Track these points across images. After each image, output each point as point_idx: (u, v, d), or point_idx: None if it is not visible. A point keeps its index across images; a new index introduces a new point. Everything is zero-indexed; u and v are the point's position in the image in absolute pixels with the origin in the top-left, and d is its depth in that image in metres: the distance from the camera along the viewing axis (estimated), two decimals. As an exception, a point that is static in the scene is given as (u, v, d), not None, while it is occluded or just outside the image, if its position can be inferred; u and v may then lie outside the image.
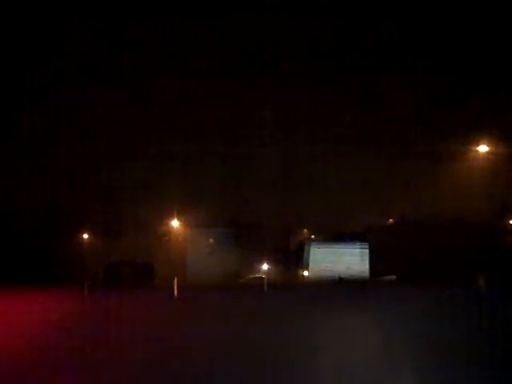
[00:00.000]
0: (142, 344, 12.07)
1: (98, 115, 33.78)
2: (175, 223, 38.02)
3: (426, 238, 32.70)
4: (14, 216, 34.72)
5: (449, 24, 32.00)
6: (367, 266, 36.23)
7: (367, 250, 36.59)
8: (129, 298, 23.71)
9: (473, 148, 30.92)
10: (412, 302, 18.41)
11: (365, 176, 34.19)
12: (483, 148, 30.57)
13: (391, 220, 38.05)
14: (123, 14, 31.94)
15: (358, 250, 36.69)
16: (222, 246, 37.12)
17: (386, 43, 32.90)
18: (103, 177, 36.05)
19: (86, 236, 38.48)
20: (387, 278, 34.04)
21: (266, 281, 31.10)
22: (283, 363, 9.94)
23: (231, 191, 35.27)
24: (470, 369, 9.24)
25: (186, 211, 36.22)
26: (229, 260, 36.34)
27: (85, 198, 37.09)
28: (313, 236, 39.26)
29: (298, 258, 38.39)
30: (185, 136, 34.55)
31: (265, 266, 37.86)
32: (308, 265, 37.56)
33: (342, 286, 32.48)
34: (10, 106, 33.72)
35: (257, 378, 9.14)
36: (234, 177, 35.55)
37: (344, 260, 36.33)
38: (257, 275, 36.54)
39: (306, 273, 37.82)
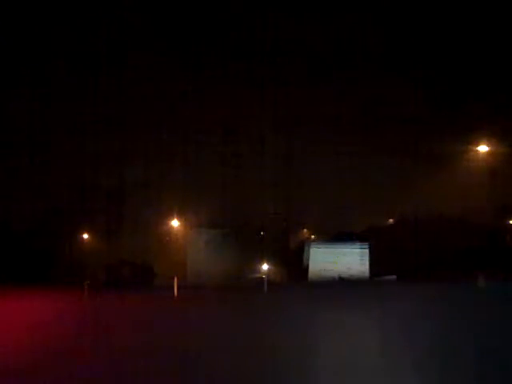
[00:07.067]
0: (141, 343, 12.06)
1: (98, 114, 33.76)
2: (175, 223, 38.05)
3: (426, 237, 32.68)
4: (14, 216, 34.72)
5: (448, 23, 32.03)
6: (367, 266, 36.19)
7: (367, 250, 36.53)
8: (129, 297, 23.75)
9: (473, 148, 31.03)
10: (412, 302, 18.40)
11: (365, 176, 34.18)
12: (483, 148, 30.69)
13: (391, 220, 38.06)
14: (122, 11, 31.97)
15: (357, 250, 36.63)
16: (222, 246, 37.10)
17: (386, 42, 32.93)
18: (103, 177, 36.03)
19: (86, 236, 38.49)
20: (387, 278, 34.03)
21: (266, 281, 31.13)
22: (283, 363, 9.93)
23: (231, 191, 35.23)
24: (470, 370, 9.23)
25: (186, 211, 36.26)
26: (229, 260, 36.33)
27: (85, 198, 37.11)
28: (313, 236, 39.24)
29: (298, 258, 38.36)
30: (185, 136, 34.54)
31: (265, 267, 37.85)
32: (308, 265, 37.53)
33: (342, 286, 32.49)
34: (9, 104, 33.70)
35: (257, 379, 9.14)
36: (234, 177, 35.53)
37: (344, 260, 36.28)
38: (257, 275, 36.54)
39: (306, 273, 37.79)
